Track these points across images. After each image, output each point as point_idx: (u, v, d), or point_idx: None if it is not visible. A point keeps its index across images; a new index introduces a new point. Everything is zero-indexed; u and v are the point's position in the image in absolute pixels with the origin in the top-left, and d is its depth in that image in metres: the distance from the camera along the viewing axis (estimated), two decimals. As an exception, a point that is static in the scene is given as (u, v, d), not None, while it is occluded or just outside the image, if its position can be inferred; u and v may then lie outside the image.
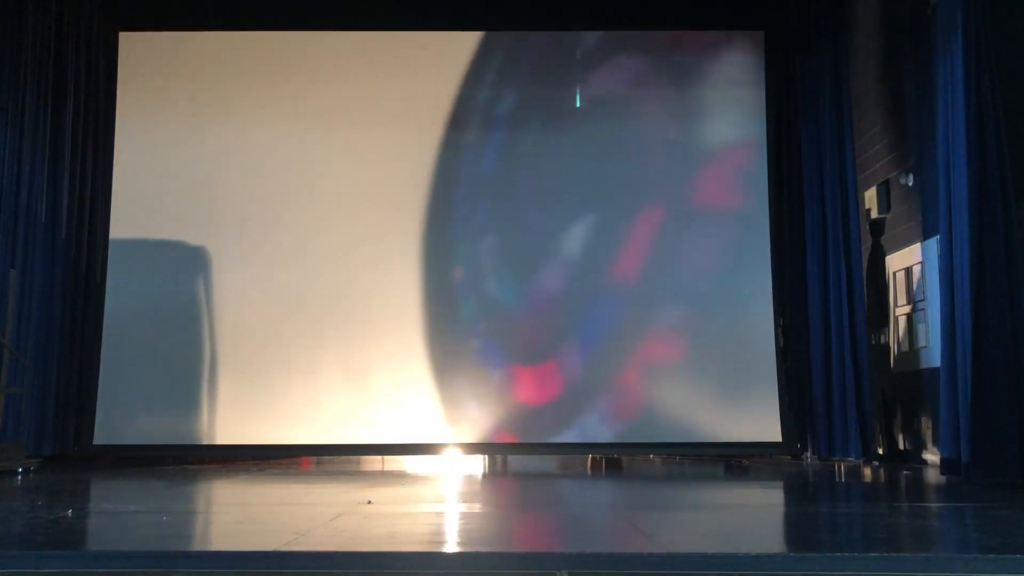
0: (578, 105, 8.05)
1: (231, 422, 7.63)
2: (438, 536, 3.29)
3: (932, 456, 6.56)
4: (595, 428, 7.61)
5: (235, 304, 7.80)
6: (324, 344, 7.68)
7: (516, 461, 7.64)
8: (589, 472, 7.04)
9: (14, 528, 3.37)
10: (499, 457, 7.69)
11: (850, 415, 6.99)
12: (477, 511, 4.15)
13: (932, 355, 6.62)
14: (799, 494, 5.31)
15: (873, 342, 7.47)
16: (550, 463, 7.48)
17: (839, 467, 6.80)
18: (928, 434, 6.75)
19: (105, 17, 8.06)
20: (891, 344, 7.40)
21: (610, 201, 7.90)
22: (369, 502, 4.20)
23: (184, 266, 7.82)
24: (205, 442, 7.57)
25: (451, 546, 3.00)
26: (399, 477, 6.31)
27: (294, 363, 7.68)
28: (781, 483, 5.81)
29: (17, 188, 7.27)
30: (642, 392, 7.64)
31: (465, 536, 3.28)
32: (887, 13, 7.52)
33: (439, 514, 3.96)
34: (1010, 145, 5.38)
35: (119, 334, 7.72)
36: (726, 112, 8.01)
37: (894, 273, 7.38)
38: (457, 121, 8.01)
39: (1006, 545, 2.87)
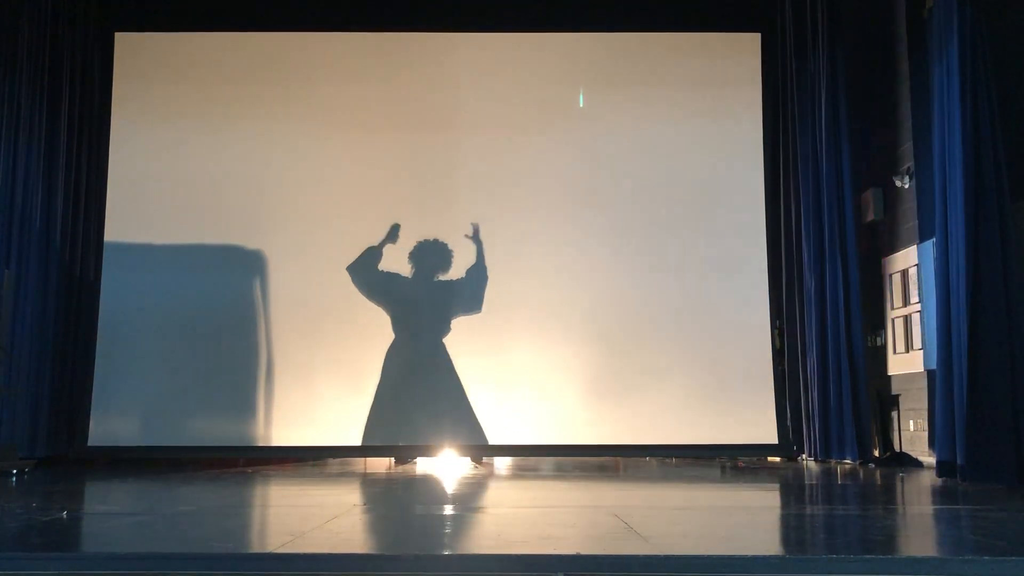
0: (581, 105, 8.06)
1: (226, 423, 7.62)
2: (434, 538, 3.28)
3: (927, 458, 6.57)
4: (592, 429, 7.62)
5: (231, 305, 7.79)
6: (320, 345, 7.68)
7: (512, 463, 7.63)
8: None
9: (8, 530, 3.36)
10: (495, 458, 7.68)
11: (846, 417, 7.00)
12: (473, 513, 4.14)
13: (928, 357, 6.63)
14: (795, 496, 5.31)
15: (869, 344, 7.48)
16: (547, 464, 7.47)
17: (835, 469, 6.80)
18: (923, 436, 6.76)
19: (101, 17, 8.06)
20: (887, 346, 7.41)
21: (608, 202, 7.91)
22: (364, 504, 4.19)
23: (178, 267, 7.81)
24: (199, 443, 7.57)
25: (447, 548, 3.00)
26: (395, 479, 6.30)
27: (290, 364, 7.68)
28: (777, 485, 5.81)
29: (12, 189, 7.26)
30: (638, 394, 7.65)
31: (461, 538, 3.28)
32: (883, 16, 7.53)
33: (435, 516, 3.95)
34: (1006, 147, 5.39)
35: (113, 335, 7.71)
36: (722, 114, 8.03)
37: (890, 275, 7.40)
38: (460, 122, 8.02)
39: (1001, 547, 2.87)
